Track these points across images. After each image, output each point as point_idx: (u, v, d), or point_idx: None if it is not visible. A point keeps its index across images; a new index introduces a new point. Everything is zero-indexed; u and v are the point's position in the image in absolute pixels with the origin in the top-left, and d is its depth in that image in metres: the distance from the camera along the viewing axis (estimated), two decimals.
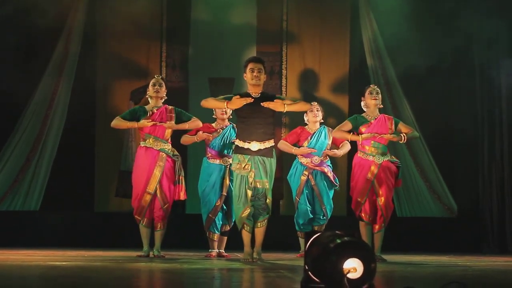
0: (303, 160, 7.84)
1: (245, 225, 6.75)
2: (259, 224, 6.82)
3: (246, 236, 6.79)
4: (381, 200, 7.23)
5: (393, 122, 7.36)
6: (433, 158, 9.73)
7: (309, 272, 3.77)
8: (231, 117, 7.65)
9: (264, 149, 6.76)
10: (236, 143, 6.83)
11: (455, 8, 9.50)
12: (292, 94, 9.81)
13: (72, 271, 5.29)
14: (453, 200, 9.72)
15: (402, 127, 7.39)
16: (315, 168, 7.80)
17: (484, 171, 9.95)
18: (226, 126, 7.65)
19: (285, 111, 6.85)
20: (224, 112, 7.60)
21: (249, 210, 6.71)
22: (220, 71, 10.05)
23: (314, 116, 7.91)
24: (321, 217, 7.84)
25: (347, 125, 7.34)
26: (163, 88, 7.29)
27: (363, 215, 7.25)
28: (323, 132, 7.89)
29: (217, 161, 7.57)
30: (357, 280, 3.57)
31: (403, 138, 7.26)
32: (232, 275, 5.22)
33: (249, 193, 6.70)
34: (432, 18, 9.70)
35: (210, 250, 7.53)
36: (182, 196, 7.25)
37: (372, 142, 7.25)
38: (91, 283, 4.40)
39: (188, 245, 8.64)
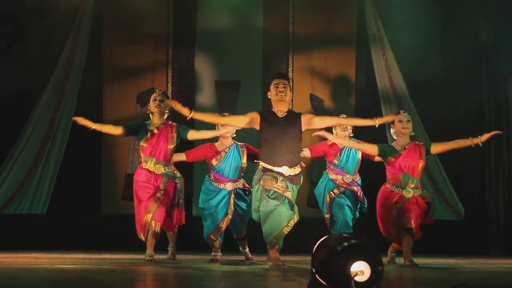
0: (334, 177, 7.47)
1: (278, 246, 6.31)
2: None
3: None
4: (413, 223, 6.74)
5: (424, 149, 6.90)
6: (440, 160, 9.71)
7: (316, 275, 3.77)
8: (235, 135, 7.39)
9: (293, 175, 6.38)
10: (262, 164, 6.37)
11: (465, 15, 9.52)
12: (299, 97, 9.80)
13: (79, 274, 5.30)
14: (460, 203, 9.70)
15: (435, 146, 6.98)
16: (347, 187, 7.45)
17: (491, 174, 9.95)
18: (230, 146, 7.34)
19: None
20: (224, 136, 7.28)
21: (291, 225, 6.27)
22: (226, 74, 10.05)
23: (342, 129, 7.39)
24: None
25: (373, 147, 6.94)
26: (164, 104, 6.88)
27: (412, 221, 6.70)
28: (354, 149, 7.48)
29: (221, 185, 7.29)
30: (364, 283, 3.57)
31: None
32: (238, 278, 5.22)
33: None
34: (440, 25, 9.66)
35: (213, 254, 7.37)
36: (182, 220, 7.02)
37: (402, 174, 6.82)
38: (98, 286, 4.41)
39: (195, 248, 8.63)
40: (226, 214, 7.26)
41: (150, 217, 6.71)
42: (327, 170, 7.61)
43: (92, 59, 9.81)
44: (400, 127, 6.89)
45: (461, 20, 9.59)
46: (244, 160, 7.29)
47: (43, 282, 4.71)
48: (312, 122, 6.48)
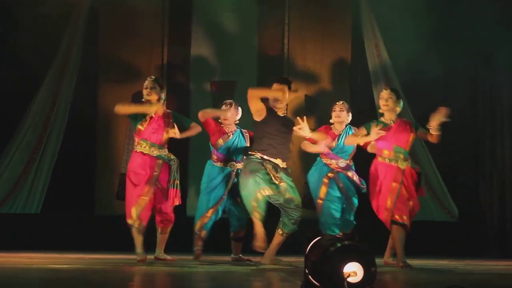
0: (328, 161, 7.49)
1: (256, 213, 6.63)
2: (283, 234, 6.82)
3: (258, 223, 6.63)
4: (410, 203, 6.91)
5: (413, 125, 7.10)
6: (434, 161, 9.72)
7: (310, 276, 3.78)
8: (237, 121, 7.57)
9: (287, 168, 6.88)
10: (259, 154, 6.80)
11: (461, 15, 9.54)
12: (294, 98, 9.80)
13: (73, 274, 5.30)
14: (454, 205, 9.71)
15: (419, 131, 7.10)
16: (341, 171, 7.47)
17: (485, 176, 9.97)
18: (235, 131, 7.51)
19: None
20: (225, 118, 7.44)
21: (262, 195, 6.59)
22: (222, 74, 10.05)
23: (336, 116, 7.54)
24: (346, 223, 7.45)
25: (362, 131, 7.03)
26: (156, 90, 7.01)
27: (397, 217, 6.82)
28: (350, 133, 7.52)
29: (225, 164, 7.42)
30: (357, 284, 3.57)
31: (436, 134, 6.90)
32: (232, 279, 5.22)
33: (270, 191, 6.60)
34: (435, 23, 9.67)
35: (196, 249, 7.37)
36: (177, 201, 7.10)
37: (394, 146, 6.94)
38: (92, 286, 4.41)
39: (189, 249, 8.61)
40: (222, 196, 7.35)
41: (136, 213, 6.88)
42: (321, 155, 7.61)
43: (87, 58, 9.79)
44: (381, 104, 7.09)
45: (456, 21, 9.61)
46: (249, 144, 7.46)
47: (37, 281, 4.71)
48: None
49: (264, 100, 7.03)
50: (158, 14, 10.00)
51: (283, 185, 6.69)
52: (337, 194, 7.45)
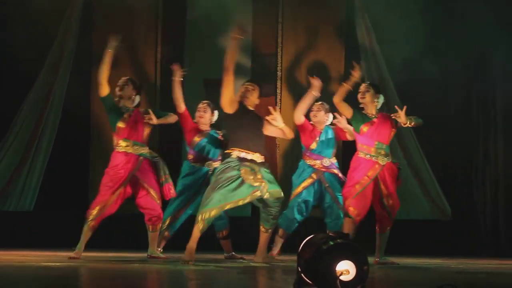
0: (312, 162, 7.52)
1: (201, 225, 6.50)
2: (267, 230, 6.82)
3: (196, 234, 6.53)
4: (389, 200, 7.00)
5: (394, 119, 7.12)
6: (428, 160, 9.73)
7: (302, 274, 3.78)
8: (213, 122, 7.65)
9: (263, 162, 6.80)
10: (236, 153, 6.70)
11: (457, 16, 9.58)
12: (287, 95, 9.81)
13: (65, 271, 5.29)
14: (447, 203, 9.73)
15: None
16: (326, 170, 7.51)
17: (478, 175, 9.99)
18: (209, 131, 7.57)
19: (280, 127, 6.89)
20: (201, 116, 7.54)
21: (216, 213, 6.54)
22: (216, 72, 10.03)
23: (313, 116, 7.62)
24: (337, 219, 7.43)
25: (349, 110, 7.09)
26: (130, 88, 7.13)
27: (351, 209, 6.91)
28: (329, 131, 7.61)
29: (201, 165, 7.45)
30: (349, 282, 3.58)
31: (407, 121, 6.96)
32: (225, 277, 5.22)
33: (244, 200, 6.59)
34: (430, 23, 9.68)
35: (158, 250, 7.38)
36: (173, 194, 7.18)
37: (376, 143, 7.03)
38: (84, 284, 4.40)
39: (183, 247, 8.60)
40: (193, 195, 7.36)
41: (98, 213, 7.00)
42: (303, 157, 7.63)
43: (80, 55, 9.76)
44: (359, 97, 7.18)
45: (451, 22, 9.63)
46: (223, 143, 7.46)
47: (30, 279, 4.70)
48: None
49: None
50: (152, 11, 9.98)
51: (264, 185, 6.61)
52: (310, 198, 7.50)
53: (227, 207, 6.56)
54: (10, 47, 9.39)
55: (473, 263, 7.61)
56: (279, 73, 9.95)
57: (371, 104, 7.16)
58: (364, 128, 7.06)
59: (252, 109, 6.96)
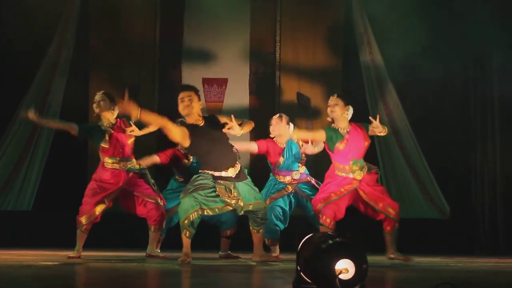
0: (282, 179, 7.38)
1: (186, 231, 6.39)
2: (258, 230, 6.71)
3: (186, 241, 6.43)
4: (378, 204, 6.82)
5: (365, 128, 6.89)
6: (426, 159, 9.74)
7: (301, 273, 3.78)
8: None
9: (239, 172, 6.55)
10: (211, 173, 6.46)
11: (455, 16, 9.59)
12: (286, 95, 9.82)
13: (64, 271, 5.29)
14: (445, 202, 9.73)
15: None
16: (299, 182, 7.38)
17: (476, 173, 10.00)
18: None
19: (239, 134, 6.48)
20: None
21: (197, 215, 6.37)
22: (214, 71, 10.04)
23: (272, 130, 7.37)
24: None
25: (321, 133, 6.83)
26: (107, 103, 7.01)
27: (324, 217, 6.73)
28: (292, 144, 7.41)
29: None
30: (348, 281, 3.58)
31: (383, 129, 6.79)
32: (223, 276, 5.22)
33: (223, 209, 6.49)
34: (428, 24, 9.68)
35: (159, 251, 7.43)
36: (162, 203, 7.18)
37: (351, 161, 6.78)
38: (82, 283, 4.40)
39: (181, 246, 8.60)
40: None
41: (87, 220, 7.03)
42: (273, 173, 7.49)
43: (78, 55, 9.77)
44: (328, 111, 6.87)
45: (451, 21, 9.64)
46: None
47: (28, 279, 4.70)
48: (223, 119, 6.59)
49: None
50: (150, 11, 9.98)
51: (239, 202, 6.46)
52: (286, 207, 7.40)
53: (206, 212, 6.40)
54: (8, 46, 9.39)
55: (472, 262, 7.61)
56: (277, 72, 9.94)
57: (341, 117, 6.83)
58: (340, 146, 6.80)
59: (201, 123, 6.49)
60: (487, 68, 9.96)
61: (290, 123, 7.42)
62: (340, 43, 10.09)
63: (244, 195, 6.50)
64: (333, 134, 6.82)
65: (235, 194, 6.44)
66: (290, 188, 7.40)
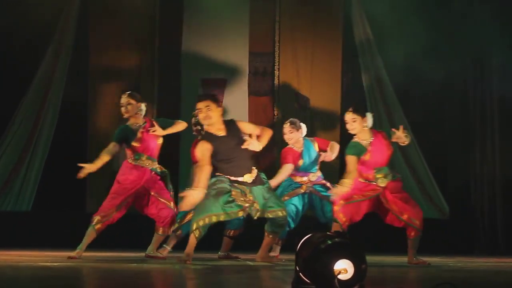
0: (299, 179, 7.52)
1: (197, 232, 6.34)
2: (269, 235, 6.72)
3: (193, 241, 6.40)
4: (403, 215, 6.83)
5: (388, 137, 6.92)
6: (425, 159, 9.74)
7: (300, 273, 3.78)
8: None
9: (256, 178, 6.54)
10: (227, 177, 6.46)
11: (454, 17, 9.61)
12: (285, 94, 9.82)
13: (63, 271, 5.28)
14: (445, 202, 9.74)
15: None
16: (313, 183, 7.53)
17: (475, 173, 10.01)
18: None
19: (260, 149, 6.50)
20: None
21: (215, 219, 6.36)
22: (213, 72, 10.04)
23: (287, 139, 7.54)
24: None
25: (353, 161, 6.77)
26: (134, 105, 6.98)
27: (340, 215, 6.77)
28: (310, 146, 7.57)
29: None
30: (348, 281, 3.58)
31: (407, 140, 6.80)
32: (224, 276, 5.22)
33: (238, 214, 6.47)
34: (427, 22, 9.69)
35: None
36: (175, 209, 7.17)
37: (375, 170, 6.81)
38: (82, 284, 4.40)
39: (179, 247, 8.60)
40: None
41: (103, 220, 7.00)
42: (291, 176, 7.55)
43: (77, 58, 9.76)
44: (348, 128, 6.88)
45: (451, 21, 9.65)
46: None
47: (28, 279, 4.70)
48: (242, 127, 6.58)
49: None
50: (149, 11, 9.98)
51: (254, 206, 6.45)
52: (300, 207, 7.51)
53: (222, 218, 6.39)
54: (7, 46, 9.39)
55: (471, 262, 7.61)
56: (276, 72, 9.94)
57: (362, 130, 6.85)
58: (365, 158, 6.82)
59: (221, 133, 6.47)
60: (487, 68, 9.98)
61: (301, 124, 7.58)
62: (339, 43, 10.09)
63: (259, 200, 6.48)
64: (359, 153, 6.81)
65: (251, 198, 6.43)
66: (304, 188, 7.50)
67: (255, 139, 6.42)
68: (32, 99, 9.54)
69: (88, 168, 6.92)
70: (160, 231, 7.16)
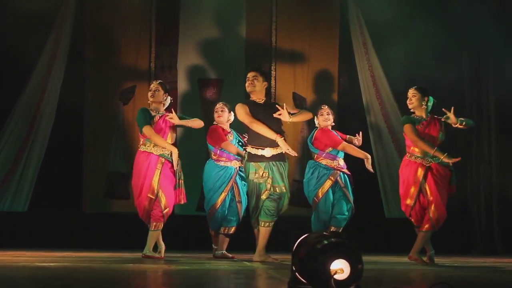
0: (328, 163, 7.69)
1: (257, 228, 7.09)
2: (261, 223, 7.01)
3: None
4: (431, 207, 7.08)
5: (443, 123, 7.28)
6: None
7: (297, 273, 3.78)
8: (231, 121, 7.84)
9: (277, 154, 7.01)
10: (248, 150, 7.05)
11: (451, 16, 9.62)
12: (281, 94, 9.81)
13: (60, 272, 5.28)
14: None
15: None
16: (341, 170, 7.72)
17: (472, 173, 10.01)
18: (230, 132, 7.78)
19: (289, 121, 7.11)
20: (220, 115, 7.75)
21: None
22: (210, 71, 10.03)
23: (324, 120, 7.77)
24: (344, 217, 7.69)
25: (411, 129, 7.18)
26: (161, 93, 7.36)
27: (413, 220, 7.21)
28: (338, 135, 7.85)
29: (229, 164, 7.64)
30: (344, 281, 3.58)
31: (458, 121, 7.17)
32: (220, 276, 5.22)
33: (263, 198, 6.98)
34: (421, 18, 9.70)
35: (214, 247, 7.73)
36: (183, 199, 7.37)
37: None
38: (79, 284, 4.40)
39: (176, 246, 8.61)
40: (223, 194, 7.59)
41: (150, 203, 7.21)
42: (317, 158, 7.76)
43: (74, 56, 9.75)
44: (408, 103, 7.30)
45: (447, 22, 9.65)
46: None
47: (24, 280, 4.70)
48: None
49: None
50: (145, 11, 9.96)
51: (268, 181, 6.97)
52: (331, 198, 7.66)
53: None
54: (2, 46, 9.38)
55: (468, 262, 7.62)
56: (273, 72, 9.94)
57: (420, 108, 7.25)
58: (418, 128, 7.20)
59: (261, 102, 7.17)
60: (483, 70, 9.97)
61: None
62: (335, 43, 10.08)
63: (274, 178, 7.00)
64: (413, 121, 7.22)
65: (264, 174, 6.98)
66: (333, 178, 7.66)
67: (286, 112, 7.03)
68: (28, 99, 9.51)
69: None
70: (153, 226, 7.25)
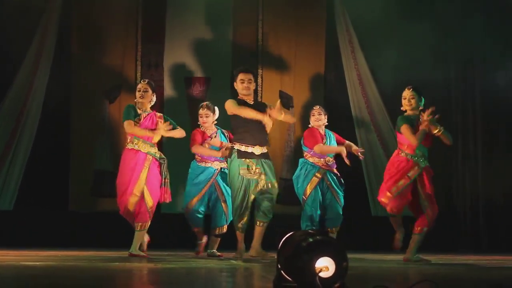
0: (316, 161, 7.80)
1: (240, 229, 7.20)
2: (260, 223, 7.17)
3: (240, 236, 7.24)
4: (425, 203, 7.05)
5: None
6: None
7: (282, 271, 3.79)
8: (216, 122, 7.85)
9: (265, 153, 7.19)
10: (237, 147, 7.12)
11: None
12: (268, 93, 9.80)
13: (45, 271, 5.27)
14: None
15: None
16: (328, 169, 7.81)
17: (458, 172, 10.07)
18: (216, 132, 7.78)
19: (280, 119, 7.23)
20: (205, 121, 7.73)
21: (246, 218, 7.15)
22: (196, 70, 10.02)
23: (316, 120, 7.90)
24: (337, 218, 7.80)
25: (408, 129, 7.03)
26: (149, 93, 7.41)
27: (388, 208, 7.10)
28: (331, 135, 7.97)
29: (208, 164, 7.66)
30: (329, 279, 3.59)
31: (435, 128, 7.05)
32: (205, 274, 5.22)
33: (252, 197, 7.10)
34: (407, 19, 9.72)
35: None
36: (168, 198, 7.41)
37: (417, 147, 7.07)
38: (65, 283, 4.39)
39: (162, 245, 8.61)
40: (201, 193, 7.63)
41: (135, 201, 7.23)
42: (306, 156, 7.87)
43: (60, 53, 9.72)
44: (404, 104, 7.21)
45: (433, 23, 9.68)
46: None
47: (9, 279, 4.68)
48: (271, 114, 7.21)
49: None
50: (131, 9, 9.94)
51: (261, 178, 7.09)
52: (319, 195, 7.75)
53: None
54: None
55: (453, 259, 7.66)
56: (259, 71, 9.94)
57: (417, 109, 7.19)
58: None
59: (250, 102, 7.28)
60: (470, 71, 10.04)
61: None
62: (322, 43, 10.08)
63: (266, 172, 7.13)
64: (411, 122, 7.10)
65: (257, 170, 7.10)
66: (319, 175, 7.75)
67: (277, 109, 7.13)
68: (14, 98, 9.47)
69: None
70: (139, 227, 7.24)
